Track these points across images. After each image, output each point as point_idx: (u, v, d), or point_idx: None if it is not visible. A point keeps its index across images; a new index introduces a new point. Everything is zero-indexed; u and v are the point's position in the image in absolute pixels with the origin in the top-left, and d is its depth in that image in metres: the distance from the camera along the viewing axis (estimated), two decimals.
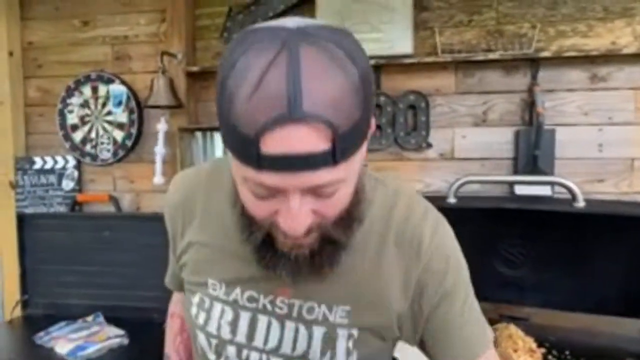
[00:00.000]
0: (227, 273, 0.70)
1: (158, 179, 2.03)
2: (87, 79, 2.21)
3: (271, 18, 2.02)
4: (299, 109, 0.47)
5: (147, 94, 2.05)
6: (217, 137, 2.13)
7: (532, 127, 1.83)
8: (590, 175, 1.84)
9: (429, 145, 1.97)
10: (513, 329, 1.51)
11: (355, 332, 0.68)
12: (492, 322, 1.60)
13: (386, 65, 1.93)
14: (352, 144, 0.52)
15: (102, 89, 2.20)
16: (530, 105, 1.87)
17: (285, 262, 0.60)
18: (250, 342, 0.70)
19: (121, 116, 2.19)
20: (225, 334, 0.70)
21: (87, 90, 2.22)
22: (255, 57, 0.49)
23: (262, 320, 0.69)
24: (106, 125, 2.22)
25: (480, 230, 1.75)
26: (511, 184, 1.86)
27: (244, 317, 0.70)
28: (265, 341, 0.69)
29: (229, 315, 0.70)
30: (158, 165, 2.03)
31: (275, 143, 0.49)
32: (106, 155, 2.21)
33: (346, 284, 0.67)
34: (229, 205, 0.66)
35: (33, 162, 2.26)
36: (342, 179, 0.54)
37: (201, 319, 0.72)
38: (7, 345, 1.93)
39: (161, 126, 2.00)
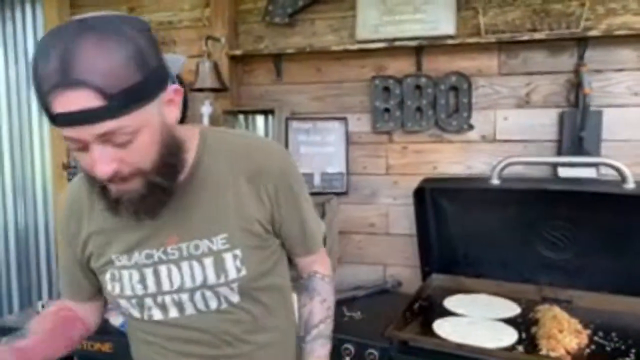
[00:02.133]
0: (122, 245, 0.86)
1: None
2: None
3: (311, 1, 2.04)
4: (68, 77, 0.63)
5: (191, 78, 2.11)
6: (259, 119, 2.18)
7: (578, 108, 1.80)
8: (639, 157, 1.80)
9: (471, 127, 1.97)
10: (557, 310, 1.50)
11: (238, 252, 0.85)
12: (534, 303, 1.62)
13: (428, 46, 1.93)
14: (130, 101, 0.67)
15: None
16: (576, 86, 1.83)
17: (122, 207, 0.76)
18: (160, 289, 0.85)
19: None
20: (139, 291, 0.86)
21: None
22: (44, 42, 0.66)
23: (162, 269, 0.85)
24: None
25: (524, 213, 1.75)
26: (554, 166, 1.84)
27: (148, 273, 0.85)
28: (171, 284, 0.85)
29: (136, 276, 0.86)
30: None
31: (57, 104, 0.65)
32: None
33: (217, 217, 0.85)
34: (96, 197, 0.81)
35: None
36: (128, 128, 0.68)
37: (117, 289, 0.87)
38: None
39: (205, 109, 2.06)
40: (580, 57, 1.82)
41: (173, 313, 0.87)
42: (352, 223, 2.17)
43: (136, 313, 0.89)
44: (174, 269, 0.85)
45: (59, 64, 0.63)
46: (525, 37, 1.78)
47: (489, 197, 1.78)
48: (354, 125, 2.12)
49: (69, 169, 2.38)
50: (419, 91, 1.99)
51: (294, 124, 2.11)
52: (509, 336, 1.41)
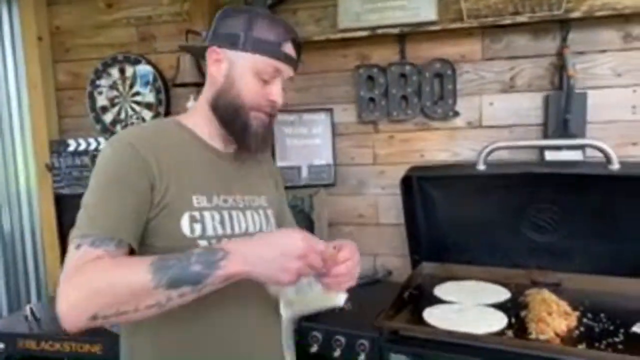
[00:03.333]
0: (203, 188, 0.96)
1: None
2: (114, 60, 2.25)
3: None
4: (294, 34, 1.00)
5: (172, 73, 2.08)
6: None
7: (563, 91, 1.79)
8: (624, 138, 1.80)
9: (456, 114, 1.96)
10: (546, 293, 1.50)
11: (273, 211, 1.11)
12: (523, 287, 1.62)
13: (411, 33, 1.91)
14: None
15: (129, 70, 2.24)
16: (559, 69, 1.83)
17: (253, 138, 0.99)
18: (233, 231, 0.98)
19: (149, 96, 2.23)
20: (219, 230, 0.96)
21: (114, 72, 2.26)
22: (262, 10, 1.02)
23: (234, 214, 1.00)
24: (135, 106, 2.26)
25: (511, 197, 1.74)
26: (541, 150, 1.83)
27: (225, 215, 0.98)
28: (239, 228, 1.00)
29: (217, 217, 0.96)
30: None
31: (288, 47, 0.98)
32: None
33: (261, 182, 1.12)
34: (187, 141, 0.99)
35: (67, 145, 2.33)
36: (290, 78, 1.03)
37: (198, 230, 0.93)
38: (53, 318, 2.03)
39: (190, 104, 2.02)
40: (563, 40, 1.81)
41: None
42: (342, 214, 2.16)
43: None
44: (241, 215, 1.01)
45: (289, 28, 0.99)
46: (508, 21, 1.77)
47: (476, 183, 1.77)
48: (340, 116, 2.10)
49: (52, 169, 2.35)
50: (403, 79, 1.97)
51: (279, 117, 2.06)
52: (498, 321, 1.41)
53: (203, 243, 0.93)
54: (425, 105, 1.96)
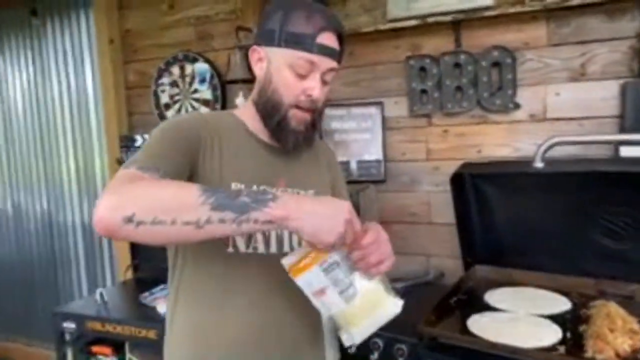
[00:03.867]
0: (244, 176, 0.97)
1: None
2: (175, 59, 2.34)
3: None
4: (333, 24, 0.96)
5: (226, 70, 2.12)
6: None
7: None
8: None
9: (517, 106, 1.80)
10: (613, 307, 1.33)
11: None
12: (588, 299, 1.45)
13: (465, 20, 1.78)
14: (341, 57, 0.99)
15: (189, 68, 2.32)
16: (639, 53, 1.61)
17: (292, 136, 0.98)
18: None
19: (206, 93, 2.30)
20: None
21: (175, 71, 2.36)
22: (299, 2, 0.97)
23: None
24: (194, 103, 2.34)
25: (578, 197, 1.56)
26: (616, 146, 1.63)
27: None
28: None
29: None
30: None
31: (324, 39, 0.93)
32: None
33: (310, 175, 1.09)
34: (240, 131, 1.02)
35: (134, 140, 2.47)
36: (333, 73, 0.98)
37: None
38: (119, 303, 2.17)
39: (239, 100, 2.06)
40: None
41: (273, 248, 0.98)
42: (392, 212, 2.08)
43: (241, 243, 0.96)
44: None
45: (327, 15, 0.95)
46: (577, 1, 1.59)
47: (536, 182, 1.62)
48: (391, 110, 2.02)
49: (122, 163, 2.50)
50: (458, 69, 1.85)
51: (328, 111, 2.05)
52: (551, 335, 1.28)
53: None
54: (482, 96, 1.82)
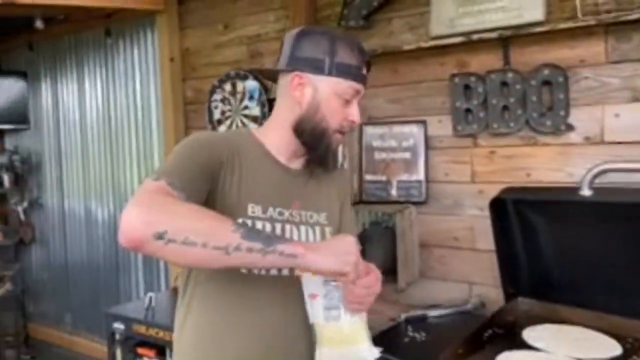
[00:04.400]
0: (261, 197, 0.99)
1: None
2: (227, 77, 2.44)
3: (386, 0, 1.94)
4: (367, 56, 1.04)
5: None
6: None
7: None
8: None
9: (570, 128, 1.67)
10: None
11: (332, 229, 1.08)
12: None
13: (514, 37, 1.69)
14: None
15: (240, 85, 2.40)
16: None
17: (332, 157, 1.04)
18: None
19: (255, 110, 2.37)
20: None
21: (227, 87, 2.45)
22: (339, 32, 1.06)
23: (287, 227, 1.00)
24: (243, 119, 2.42)
25: (633, 230, 1.41)
26: None
27: (278, 227, 0.99)
28: None
29: (268, 227, 0.97)
30: None
31: (365, 69, 1.02)
32: None
33: (322, 198, 1.10)
34: (258, 151, 1.03)
35: None
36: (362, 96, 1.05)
37: None
38: (165, 308, 2.26)
39: None
40: None
41: (285, 270, 0.99)
42: (433, 235, 2.00)
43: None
44: (295, 230, 1.02)
45: (362, 47, 1.03)
46: (636, 16, 1.45)
47: (586, 210, 1.48)
48: (434, 129, 1.96)
49: None
50: (505, 88, 1.75)
51: (368, 129, 2.02)
52: None
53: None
54: (531, 117, 1.71)
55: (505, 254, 1.64)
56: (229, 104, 2.46)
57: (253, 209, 0.98)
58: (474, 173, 1.89)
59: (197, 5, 2.58)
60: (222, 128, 2.48)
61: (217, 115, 2.50)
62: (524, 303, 1.62)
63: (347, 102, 1.00)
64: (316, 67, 0.98)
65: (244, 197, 0.97)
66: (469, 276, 1.93)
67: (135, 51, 2.95)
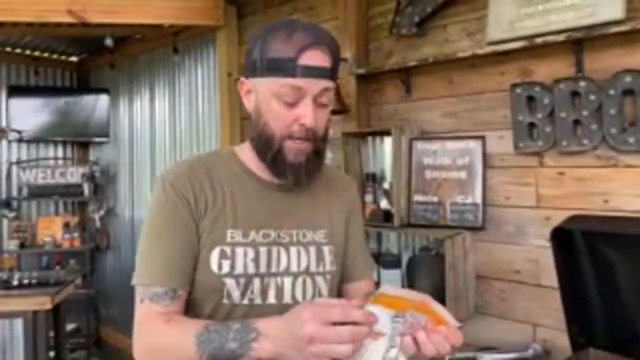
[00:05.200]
0: (241, 221, 0.90)
1: None
2: None
3: (441, 5, 1.78)
4: (318, 40, 0.83)
5: None
6: (387, 141, 1.99)
7: None
8: None
9: None
10: None
11: (332, 247, 0.97)
12: None
13: (587, 39, 1.44)
14: (336, 72, 0.88)
15: None
16: None
17: (290, 170, 0.87)
18: (269, 269, 0.90)
19: None
20: (251, 269, 0.89)
21: None
22: (276, 25, 0.87)
23: (274, 250, 0.91)
24: None
25: None
26: None
27: (263, 252, 0.90)
28: (279, 265, 0.91)
29: (251, 253, 0.89)
30: None
31: (307, 59, 0.82)
32: None
33: (321, 214, 0.98)
34: (237, 172, 0.93)
35: None
36: (330, 93, 0.87)
37: (226, 267, 0.87)
38: None
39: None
40: None
41: (271, 299, 0.90)
42: (492, 267, 1.76)
43: (236, 295, 0.88)
44: (284, 252, 0.92)
45: (310, 32, 0.84)
46: None
47: None
48: (494, 145, 1.74)
49: None
50: (577, 99, 1.50)
51: (419, 145, 1.85)
52: None
53: (230, 281, 0.88)
54: (608, 132, 1.45)
55: (572, 295, 1.39)
56: None
57: (232, 235, 0.89)
58: (539, 197, 1.64)
59: (255, 19, 2.58)
60: None
61: None
62: (598, 356, 1.35)
63: (293, 104, 0.84)
64: (252, 69, 0.87)
65: (220, 225, 0.89)
66: (533, 316, 1.67)
67: (199, 67, 3.02)
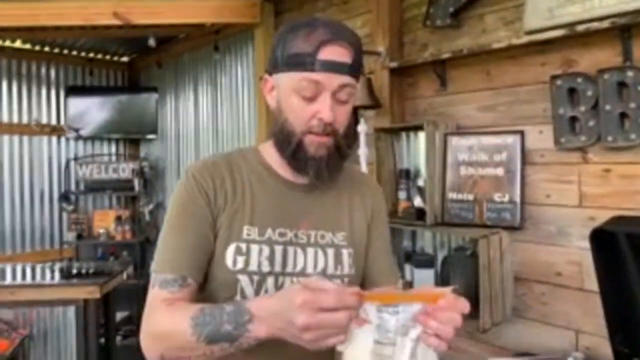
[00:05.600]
0: (259, 218, 0.90)
1: None
2: None
3: None
4: (337, 35, 0.84)
5: None
6: (422, 137, 1.93)
7: None
8: None
9: None
10: None
11: (352, 250, 0.95)
12: None
13: (635, 25, 1.33)
14: (358, 69, 0.87)
15: None
16: None
17: (311, 163, 0.87)
18: (284, 269, 0.90)
19: None
20: (265, 267, 0.89)
21: None
22: (303, 21, 0.88)
23: (290, 250, 0.91)
24: None
25: None
26: None
27: (278, 250, 0.90)
28: (294, 266, 0.90)
29: (266, 251, 0.89)
30: (363, 167, 1.99)
31: (327, 54, 0.83)
32: None
33: (341, 216, 0.96)
34: (258, 169, 0.94)
35: None
36: (351, 89, 0.86)
37: (240, 263, 0.88)
38: None
39: (361, 127, 1.95)
40: None
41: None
42: (532, 268, 1.67)
43: (250, 292, 0.89)
44: (300, 252, 0.92)
45: (331, 28, 0.85)
46: None
47: None
48: (534, 141, 1.64)
49: None
50: (624, 90, 1.39)
51: (454, 140, 1.78)
52: None
53: (243, 278, 0.88)
54: None
55: (616, 301, 1.29)
56: None
57: (249, 232, 0.90)
58: (582, 195, 1.54)
59: (291, 16, 2.57)
60: None
61: None
62: None
63: (312, 98, 0.85)
64: (274, 65, 0.88)
65: (238, 222, 0.90)
66: (576, 322, 1.57)
67: (238, 64, 3.06)
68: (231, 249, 0.88)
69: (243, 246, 0.89)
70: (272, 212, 0.91)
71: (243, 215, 0.90)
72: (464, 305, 0.72)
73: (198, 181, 0.91)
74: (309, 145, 0.87)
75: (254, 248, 0.89)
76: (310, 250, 0.92)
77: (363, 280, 0.99)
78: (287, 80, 0.86)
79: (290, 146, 0.88)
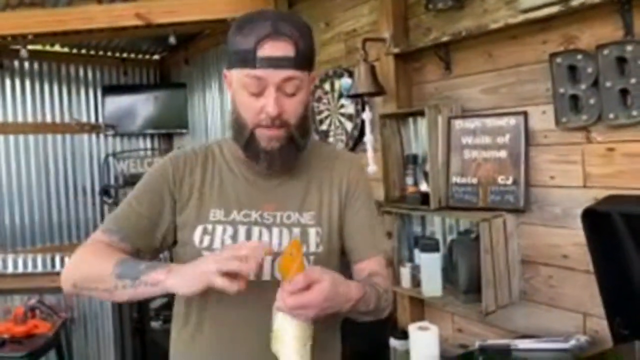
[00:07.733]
0: (225, 202, 0.96)
1: (371, 168, 2.01)
2: (327, 76, 2.40)
3: None
4: (278, 31, 0.85)
5: None
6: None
7: None
8: None
9: None
10: None
11: (320, 229, 0.97)
12: None
13: None
14: (304, 62, 0.89)
15: (337, 84, 2.35)
16: None
17: (263, 155, 0.91)
18: None
19: (350, 108, 2.28)
20: (227, 245, 0.92)
21: (327, 86, 2.42)
22: (249, 15, 0.89)
23: (255, 230, 0.95)
24: (340, 117, 2.36)
25: None
26: None
27: (241, 230, 0.94)
28: None
29: (229, 231, 0.94)
30: (369, 154, 2.01)
31: (266, 50, 0.85)
32: (340, 145, 2.35)
33: (309, 196, 0.98)
34: (227, 158, 1.00)
35: None
36: (297, 81, 0.88)
37: (206, 242, 0.94)
38: None
39: (366, 114, 1.97)
40: None
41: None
42: (538, 251, 1.65)
43: None
44: (265, 232, 0.96)
45: (270, 23, 0.86)
46: None
47: None
48: (538, 121, 1.61)
49: None
50: (625, 65, 1.34)
51: (457, 123, 1.77)
52: None
53: (207, 254, 0.93)
54: None
55: (613, 283, 1.27)
56: (328, 103, 2.42)
57: (214, 214, 0.96)
58: (587, 176, 1.50)
59: (304, 6, 2.60)
60: (324, 127, 2.46)
61: (319, 115, 2.49)
62: None
63: (259, 93, 0.88)
64: (228, 62, 0.92)
65: (206, 206, 0.97)
66: (584, 305, 1.55)
67: None
68: (199, 230, 0.95)
69: (209, 227, 0.95)
70: (238, 196, 0.97)
71: (211, 200, 0.97)
72: (320, 289, 0.77)
73: (172, 164, 0.99)
74: (260, 138, 0.91)
75: (219, 228, 0.95)
76: (275, 230, 0.95)
77: (348, 256, 1.01)
78: (236, 76, 0.91)
79: (243, 138, 0.93)
